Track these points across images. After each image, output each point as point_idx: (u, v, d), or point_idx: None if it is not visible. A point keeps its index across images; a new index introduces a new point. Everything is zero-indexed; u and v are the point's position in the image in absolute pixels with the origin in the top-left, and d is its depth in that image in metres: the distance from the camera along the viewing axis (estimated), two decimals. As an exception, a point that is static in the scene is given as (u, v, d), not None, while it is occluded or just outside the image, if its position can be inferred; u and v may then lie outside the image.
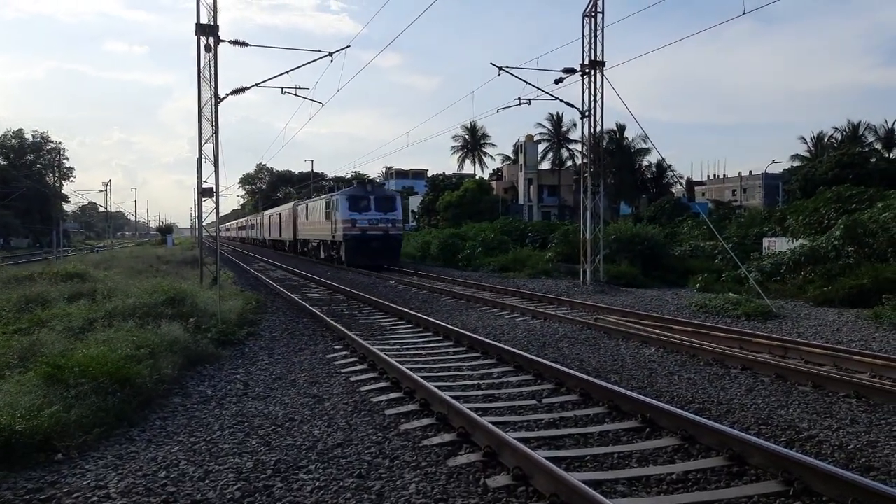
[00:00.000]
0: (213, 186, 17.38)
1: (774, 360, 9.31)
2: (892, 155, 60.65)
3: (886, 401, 7.27)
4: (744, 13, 14.99)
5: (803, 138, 70.46)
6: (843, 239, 18.42)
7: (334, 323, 13.12)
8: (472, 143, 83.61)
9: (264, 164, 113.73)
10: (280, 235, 51.91)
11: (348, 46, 19.56)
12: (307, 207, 40.14)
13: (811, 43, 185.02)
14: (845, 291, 15.66)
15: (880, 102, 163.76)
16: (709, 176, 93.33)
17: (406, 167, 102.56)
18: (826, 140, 66.94)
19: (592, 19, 20.79)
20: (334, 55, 19.00)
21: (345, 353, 10.67)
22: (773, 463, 5.16)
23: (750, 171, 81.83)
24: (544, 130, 74.08)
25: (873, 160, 50.21)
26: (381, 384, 8.45)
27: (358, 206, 30.96)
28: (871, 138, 63.69)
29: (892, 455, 5.68)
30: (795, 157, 66.83)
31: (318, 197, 38.82)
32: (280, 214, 52.24)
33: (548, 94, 22.28)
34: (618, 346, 11.05)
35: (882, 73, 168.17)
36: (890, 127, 62.84)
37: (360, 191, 32.40)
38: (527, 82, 21.96)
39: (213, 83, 17.06)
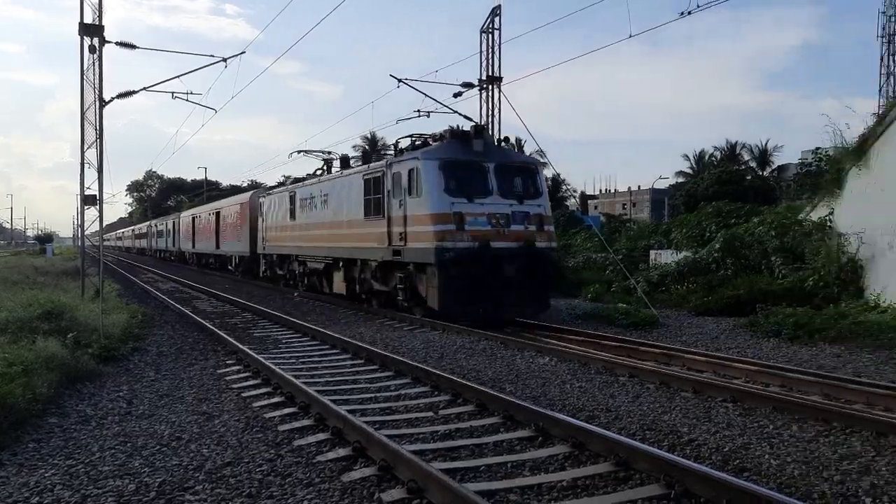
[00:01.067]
0: (97, 193, 16.56)
1: (659, 368, 9.75)
2: (765, 173, 64.99)
3: (759, 405, 7.74)
4: (630, 36, 15.74)
5: (686, 156, 74.31)
6: (722, 251, 19.54)
7: (227, 336, 12.72)
8: (372, 152, 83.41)
9: (154, 171, 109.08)
10: (218, 247, 34.62)
11: (243, 52, 19.17)
12: (294, 197, 22.57)
13: (694, 66, 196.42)
14: (724, 301, 16.59)
15: (756, 124, 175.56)
16: (601, 190, 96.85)
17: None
18: (707, 158, 70.92)
19: (490, 35, 21.27)
20: (229, 60, 18.55)
21: (237, 367, 10.36)
22: (657, 467, 5.39)
23: (639, 186, 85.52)
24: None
25: (749, 178, 53.59)
26: (275, 399, 8.25)
27: (460, 182, 14.69)
28: (746, 157, 68.04)
29: (763, 456, 6.05)
30: (680, 173, 70.46)
31: (337, 173, 20.12)
32: (218, 214, 34.72)
33: (447, 107, 22.54)
34: (513, 356, 11.26)
35: (758, 96, 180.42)
36: (763, 146, 67.36)
37: (461, 150, 15.21)
38: (426, 95, 22.10)
39: (97, 86, 16.27)
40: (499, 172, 15.02)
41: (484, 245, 14.14)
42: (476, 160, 15.07)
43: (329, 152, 23.63)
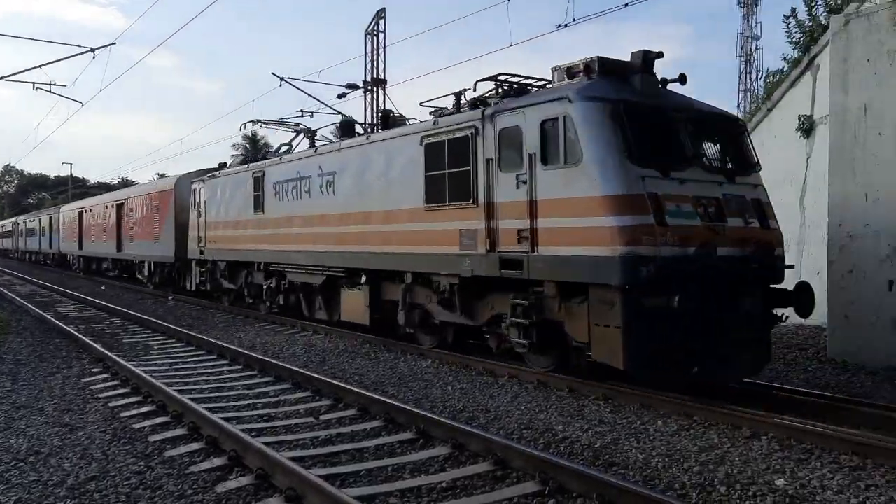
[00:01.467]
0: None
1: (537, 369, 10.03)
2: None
3: (628, 402, 8.15)
4: (510, 45, 16.21)
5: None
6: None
7: (92, 343, 12.01)
8: (254, 151, 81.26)
9: (13, 166, 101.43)
10: (120, 250, 27.90)
11: (114, 43, 18.14)
12: (262, 180, 16.04)
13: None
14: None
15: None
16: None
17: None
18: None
19: (375, 38, 21.27)
20: (97, 51, 17.53)
21: (104, 376, 9.81)
22: (532, 465, 5.57)
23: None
24: (329, 142, 74.02)
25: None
26: (146, 409, 7.88)
27: (644, 143, 8.07)
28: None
29: (630, 451, 6.38)
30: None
31: (358, 138, 13.34)
32: (121, 207, 28.09)
33: (330, 108, 22.27)
34: (396, 359, 11.28)
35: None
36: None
37: (633, 88, 8.75)
38: (309, 95, 21.71)
39: (-54, 71, 14.95)
40: (693, 129, 8.76)
41: (705, 252, 7.93)
42: (663, 105, 8.86)
43: (297, 123, 18.09)
